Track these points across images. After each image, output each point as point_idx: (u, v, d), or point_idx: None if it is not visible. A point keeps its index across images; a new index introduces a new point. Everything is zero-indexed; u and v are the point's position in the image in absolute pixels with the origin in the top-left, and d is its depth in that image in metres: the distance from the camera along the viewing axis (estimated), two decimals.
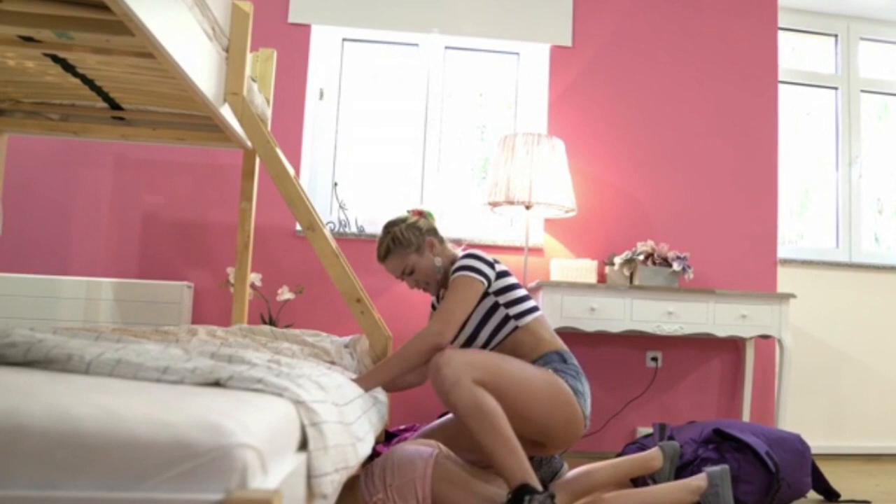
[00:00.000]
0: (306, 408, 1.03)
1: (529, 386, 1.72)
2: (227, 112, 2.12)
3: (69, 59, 1.92)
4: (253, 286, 2.88)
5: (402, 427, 2.49)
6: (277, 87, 3.05)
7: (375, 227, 3.18)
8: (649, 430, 3.07)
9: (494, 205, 2.88)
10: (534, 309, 1.92)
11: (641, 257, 2.94)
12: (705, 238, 3.29)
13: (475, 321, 1.89)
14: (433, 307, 2.14)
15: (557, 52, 3.30)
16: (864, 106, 3.67)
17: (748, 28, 3.41)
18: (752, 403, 3.22)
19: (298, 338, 2.09)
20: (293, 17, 3.19)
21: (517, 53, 3.43)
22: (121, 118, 2.55)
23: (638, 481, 2.11)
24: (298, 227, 3.08)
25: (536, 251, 3.19)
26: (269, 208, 3.07)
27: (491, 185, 2.89)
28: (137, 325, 2.81)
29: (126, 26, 1.43)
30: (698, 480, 1.84)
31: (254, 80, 2.30)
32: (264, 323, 2.90)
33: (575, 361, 1.88)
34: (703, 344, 3.25)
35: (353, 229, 3.20)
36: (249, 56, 2.18)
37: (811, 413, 3.33)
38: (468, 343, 1.93)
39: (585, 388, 1.84)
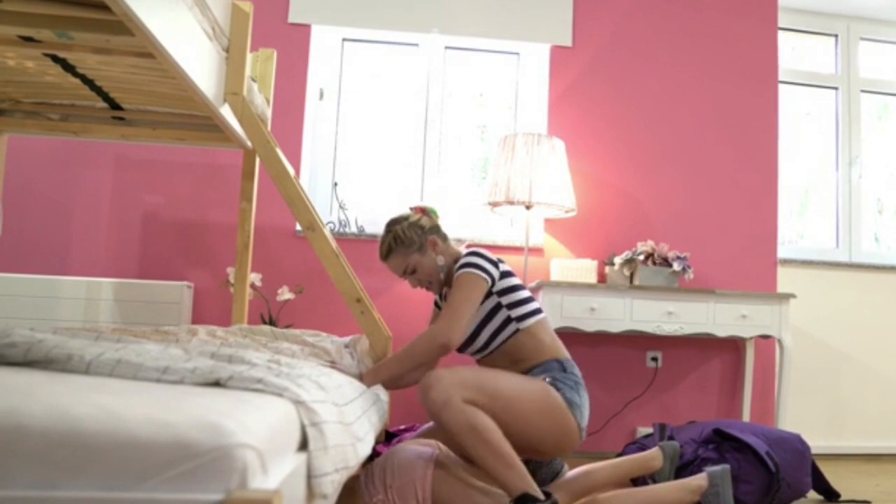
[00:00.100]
0: (306, 408, 1.03)
1: (521, 402, 1.70)
2: (227, 112, 2.12)
3: (69, 59, 1.92)
4: (253, 286, 2.88)
5: (402, 427, 2.49)
6: (277, 87, 3.05)
7: (375, 227, 3.18)
8: (649, 430, 3.07)
9: (494, 205, 2.88)
10: (536, 311, 1.90)
11: (641, 257, 2.94)
12: (705, 238, 3.29)
13: (476, 321, 1.88)
14: (436, 305, 2.13)
15: (557, 52, 3.30)
16: (864, 106, 3.67)
17: (748, 28, 3.41)
18: (752, 403, 3.22)
19: (298, 338, 2.09)
20: (293, 17, 3.19)
21: (517, 53, 3.43)
22: (121, 118, 2.55)
23: (638, 481, 2.11)
24: (298, 227, 3.08)
25: (536, 251, 3.19)
26: (269, 208, 3.07)
27: (491, 185, 2.89)
28: (137, 325, 2.81)
29: (126, 26, 1.43)
30: (699, 480, 1.84)
31: (254, 80, 2.30)
32: (264, 323, 2.90)
33: (576, 370, 1.86)
34: (703, 344, 3.25)
35: (353, 229, 3.20)
36: (249, 56, 2.18)
37: (811, 413, 3.33)
38: (469, 343, 1.92)
39: (583, 399, 1.81)
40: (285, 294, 2.89)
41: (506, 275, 1.89)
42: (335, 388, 1.32)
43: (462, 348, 1.95)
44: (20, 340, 1.15)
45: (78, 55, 1.84)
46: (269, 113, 2.64)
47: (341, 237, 3.10)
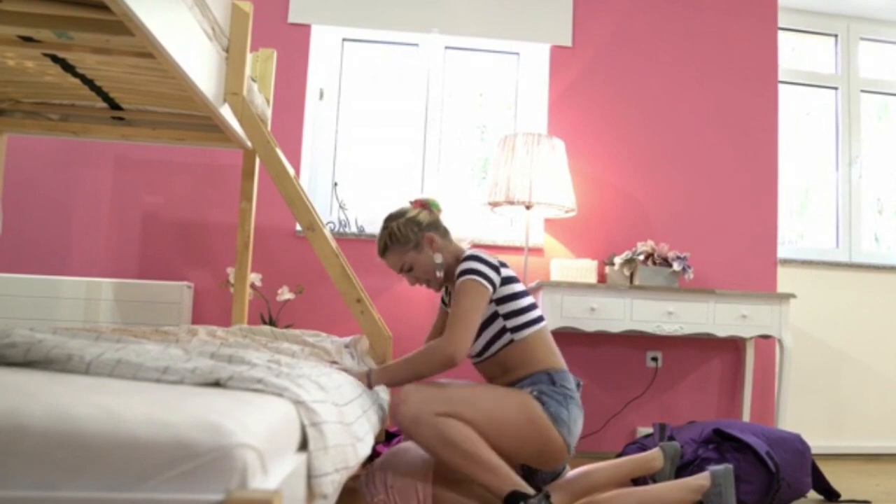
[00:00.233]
0: (306, 408, 1.03)
1: (496, 413, 1.66)
2: (227, 112, 2.12)
3: (69, 59, 1.92)
4: (253, 286, 2.88)
5: None
6: (277, 87, 3.05)
7: (375, 227, 3.16)
8: (649, 430, 3.07)
9: (494, 205, 2.88)
10: (535, 321, 1.83)
11: (641, 257, 2.94)
12: (705, 238, 3.29)
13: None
14: (443, 302, 2.08)
15: (557, 52, 3.30)
16: (864, 106, 3.67)
17: (748, 28, 3.41)
18: (752, 403, 3.22)
19: (298, 338, 2.09)
20: (293, 17, 3.19)
21: (517, 53, 3.43)
22: (120, 118, 2.55)
23: (638, 482, 2.11)
24: (298, 227, 3.08)
25: (536, 251, 3.19)
26: (269, 208, 3.07)
27: (491, 185, 2.89)
28: (137, 325, 2.81)
29: (126, 26, 1.43)
30: (701, 479, 1.83)
31: (254, 80, 2.30)
32: (264, 323, 2.90)
33: (567, 383, 1.79)
34: (703, 344, 3.25)
35: (353, 229, 3.20)
36: (249, 56, 2.18)
37: (811, 413, 3.33)
38: None
39: (572, 413, 1.75)
40: (285, 294, 2.89)
41: (507, 281, 1.82)
42: (335, 388, 1.32)
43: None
44: (20, 340, 1.15)
45: (78, 55, 1.84)
46: (269, 113, 2.64)
47: (341, 237, 3.10)
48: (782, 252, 3.40)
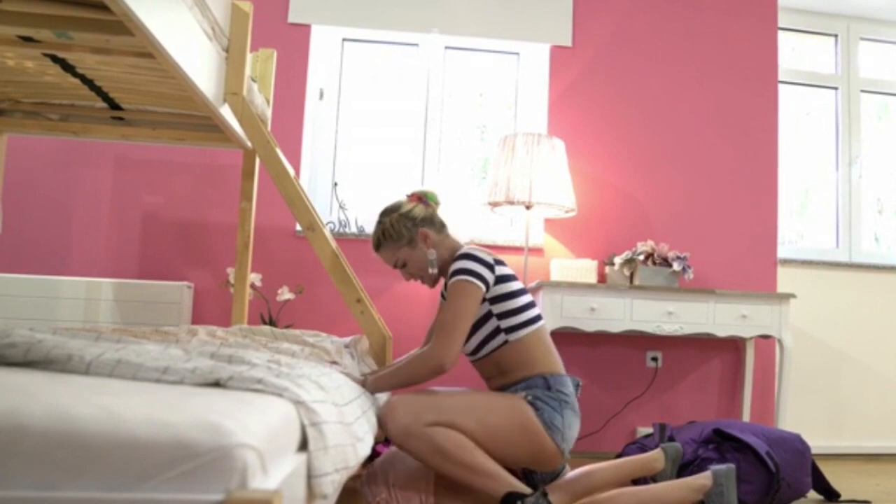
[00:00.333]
0: (306, 408, 1.03)
1: (489, 423, 1.65)
2: (226, 112, 2.12)
3: (68, 59, 1.92)
4: (253, 286, 2.88)
5: None
6: (277, 87, 3.05)
7: None
8: (649, 430, 3.07)
9: (494, 205, 2.88)
10: (531, 321, 1.80)
11: (641, 257, 2.94)
12: (705, 238, 3.29)
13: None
14: (443, 297, 2.08)
15: (557, 52, 3.30)
16: (864, 106, 3.67)
17: (748, 28, 3.41)
18: (752, 403, 3.22)
19: (298, 338, 2.09)
20: (293, 17, 3.19)
21: (517, 53, 3.43)
22: (120, 118, 2.55)
23: (639, 482, 2.11)
24: (298, 227, 3.08)
25: (536, 251, 3.19)
26: (269, 208, 3.07)
27: (491, 185, 2.89)
28: (137, 325, 2.81)
29: (126, 26, 1.43)
30: (703, 479, 1.82)
31: (254, 80, 2.30)
32: (264, 323, 2.90)
33: (563, 388, 1.76)
34: (703, 344, 3.25)
35: (353, 229, 3.20)
36: (249, 56, 2.18)
37: (811, 413, 3.33)
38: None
39: (566, 419, 1.73)
40: (285, 294, 2.89)
41: (502, 279, 1.78)
42: (335, 388, 1.32)
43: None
44: (20, 341, 1.15)
45: (77, 55, 1.84)
46: (269, 113, 2.64)
47: (341, 237, 3.10)
48: (782, 252, 3.40)
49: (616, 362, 3.19)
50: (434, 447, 1.58)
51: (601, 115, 3.29)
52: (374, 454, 2.17)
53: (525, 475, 1.87)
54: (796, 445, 2.22)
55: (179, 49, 1.62)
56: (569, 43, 3.29)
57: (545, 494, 1.63)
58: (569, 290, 2.73)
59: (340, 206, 3.25)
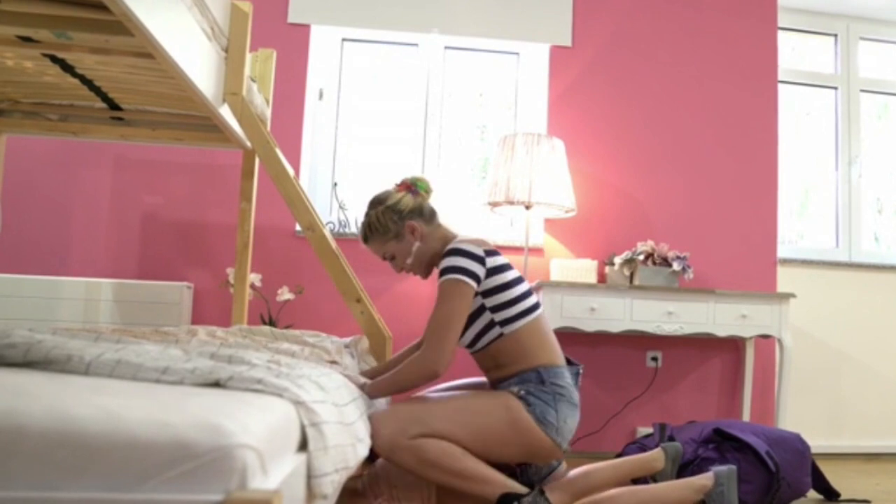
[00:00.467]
0: (306, 408, 1.03)
1: (478, 426, 1.63)
2: (226, 112, 2.12)
3: (68, 60, 1.92)
4: (253, 286, 2.88)
5: None
6: (277, 87, 3.05)
7: None
8: (649, 430, 3.07)
9: (494, 205, 2.88)
10: (527, 312, 1.75)
11: (641, 257, 2.94)
12: (705, 238, 3.29)
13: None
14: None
15: (557, 52, 3.30)
16: (864, 106, 3.67)
17: (748, 28, 3.41)
18: (752, 403, 3.22)
19: (298, 338, 2.09)
20: (293, 17, 3.18)
21: (517, 53, 3.43)
22: (120, 118, 2.55)
23: (639, 482, 2.11)
24: (298, 227, 3.08)
25: (536, 251, 3.19)
26: (269, 208, 3.07)
27: (491, 185, 2.89)
28: (137, 325, 2.80)
29: (125, 26, 1.43)
30: (704, 479, 1.82)
31: (253, 80, 2.30)
32: (264, 323, 2.90)
33: (559, 380, 1.72)
34: (703, 344, 3.25)
35: (353, 229, 3.19)
36: (249, 56, 2.18)
37: (811, 413, 3.33)
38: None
39: (561, 414, 1.69)
40: (285, 294, 2.88)
41: (495, 271, 1.72)
42: (335, 388, 1.32)
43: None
44: (20, 341, 1.15)
45: (77, 55, 1.84)
46: (268, 113, 2.64)
47: (341, 237, 3.10)
48: (782, 252, 3.40)
49: (616, 362, 3.19)
50: (421, 459, 1.57)
51: (601, 115, 3.29)
52: (375, 454, 2.17)
53: (520, 469, 1.86)
54: (796, 445, 2.22)
55: (179, 49, 1.62)
56: (568, 43, 3.29)
57: (542, 493, 1.63)
58: (569, 290, 2.73)
59: (340, 206, 3.25)
